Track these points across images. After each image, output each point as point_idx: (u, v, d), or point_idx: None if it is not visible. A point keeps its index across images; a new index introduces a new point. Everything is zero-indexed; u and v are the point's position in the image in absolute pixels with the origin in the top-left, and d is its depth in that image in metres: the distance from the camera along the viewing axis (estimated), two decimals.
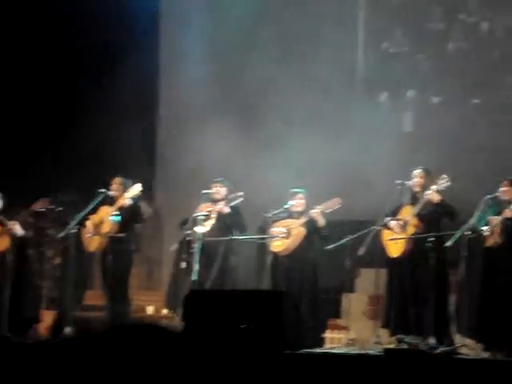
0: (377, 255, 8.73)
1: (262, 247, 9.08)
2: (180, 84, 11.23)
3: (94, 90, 10.70)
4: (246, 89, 10.82)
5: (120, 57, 10.90)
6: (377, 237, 8.57)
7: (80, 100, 10.86)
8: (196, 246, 8.85)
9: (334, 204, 8.91)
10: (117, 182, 9.30)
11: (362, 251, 8.46)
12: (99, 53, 11.22)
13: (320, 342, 8.93)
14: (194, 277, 8.74)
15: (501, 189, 8.22)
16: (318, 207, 8.91)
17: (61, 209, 10.31)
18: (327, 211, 8.93)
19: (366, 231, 8.58)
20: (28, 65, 11.25)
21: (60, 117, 11.12)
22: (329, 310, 9.48)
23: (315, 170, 9.83)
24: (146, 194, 9.67)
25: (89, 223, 9.19)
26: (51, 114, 11.24)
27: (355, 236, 8.68)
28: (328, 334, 9.45)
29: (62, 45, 11.25)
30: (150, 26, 11.55)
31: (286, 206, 9.02)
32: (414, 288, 8.43)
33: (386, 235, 8.61)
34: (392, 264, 8.60)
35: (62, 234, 9.43)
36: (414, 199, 8.62)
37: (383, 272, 8.81)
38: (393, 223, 8.54)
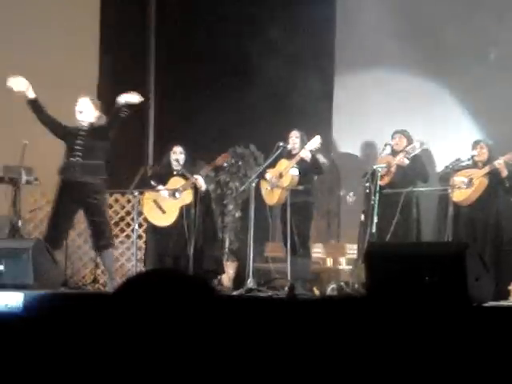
0: None
1: (444, 198, 8.92)
2: (357, 32, 10.92)
3: (271, 31, 10.53)
4: (432, 34, 10.39)
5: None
6: None
7: (260, 43, 10.67)
8: (375, 199, 8.80)
9: None
10: (294, 135, 9.33)
11: None
12: None
13: (505, 295, 8.72)
14: (374, 229, 8.70)
15: None
16: (502, 158, 8.67)
17: (240, 163, 10.47)
18: None
19: None
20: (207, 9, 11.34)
21: (241, 65, 11.04)
22: None
23: (507, 118, 9.48)
24: (324, 145, 9.63)
25: (268, 176, 9.28)
26: (231, 64, 11.26)
27: None
28: None
29: None
30: None
31: (469, 156, 8.85)
32: None
33: None
34: None
35: (242, 188, 9.58)
36: None
37: None
38: None
